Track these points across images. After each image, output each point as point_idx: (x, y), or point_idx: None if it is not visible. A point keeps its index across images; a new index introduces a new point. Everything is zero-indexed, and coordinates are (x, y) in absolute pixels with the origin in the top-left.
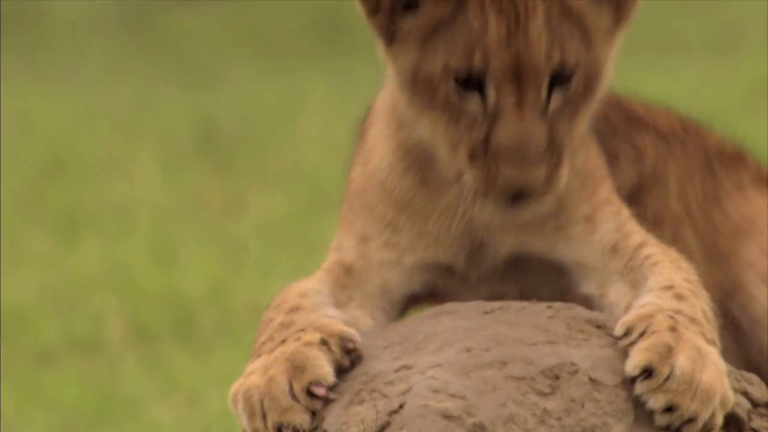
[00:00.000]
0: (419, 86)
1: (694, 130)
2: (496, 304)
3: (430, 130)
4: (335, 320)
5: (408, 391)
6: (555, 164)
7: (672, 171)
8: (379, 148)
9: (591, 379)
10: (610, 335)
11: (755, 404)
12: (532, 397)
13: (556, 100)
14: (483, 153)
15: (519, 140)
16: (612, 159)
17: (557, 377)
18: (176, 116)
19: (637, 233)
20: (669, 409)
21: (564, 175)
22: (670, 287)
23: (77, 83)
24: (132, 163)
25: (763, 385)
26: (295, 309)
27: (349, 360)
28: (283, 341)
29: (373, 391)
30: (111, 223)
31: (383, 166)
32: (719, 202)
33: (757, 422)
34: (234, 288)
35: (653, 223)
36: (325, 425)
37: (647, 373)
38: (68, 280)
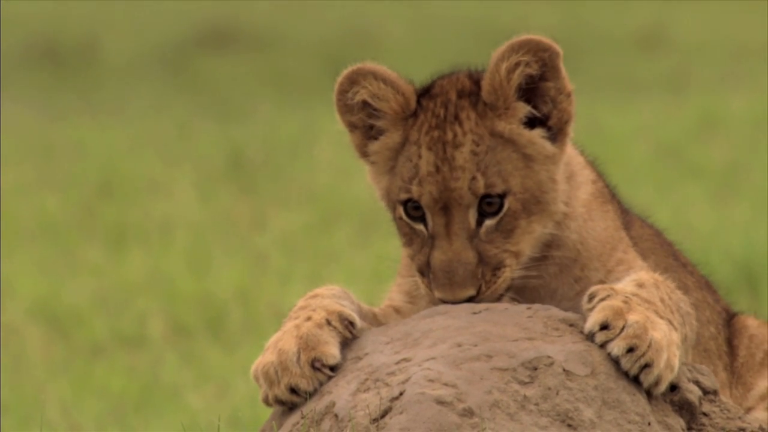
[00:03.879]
0: (390, 207)
1: (713, 288)
2: (483, 305)
3: (400, 241)
4: (339, 303)
5: (407, 380)
6: (489, 280)
7: (708, 313)
8: None
9: (564, 370)
10: (581, 332)
11: (705, 392)
12: (514, 386)
13: (488, 223)
14: (427, 270)
15: (447, 265)
16: (663, 271)
17: (535, 368)
18: (210, 145)
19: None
20: (630, 350)
21: (504, 282)
22: (635, 280)
23: (125, 117)
24: (172, 185)
25: (712, 376)
26: (315, 296)
27: (349, 332)
28: (296, 318)
29: (377, 380)
30: (154, 236)
31: None
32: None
33: (707, 407)
34: (258, 292)
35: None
36: (336, 410)
37: (604, 327)
38: (117, 286)
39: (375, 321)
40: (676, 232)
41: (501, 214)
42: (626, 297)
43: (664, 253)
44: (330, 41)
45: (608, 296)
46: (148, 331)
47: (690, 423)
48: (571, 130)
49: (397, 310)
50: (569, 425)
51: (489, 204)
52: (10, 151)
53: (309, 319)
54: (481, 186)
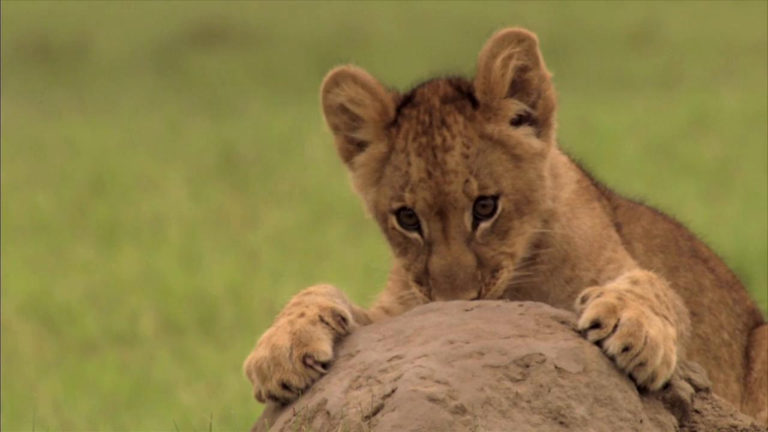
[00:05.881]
0: (380, 219)
1: (740, 285)
2: (475, 303)
3: (391, 253)
4: (332, 300)
5: (399, 377)
6: (489, 282)
7: (724, 316)
8: None
9: (556, 367)
10: (573, 329)
11: (697, 389)
12: (506, 383)
13: (483, 225)
14: (425, 278)
15: (448, 269)
16: (672, 270)
17: (527, 366)
18: (201, 143)
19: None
20: (626, 349)
21: (503, 284)
22: (629, 277)
23: (117, 114)
24: (163, 182)
25: (704, 372)
26: (308, 293)
27: (342, 328)
28: (289, 314)
29: (369, 377)
30: (145, 233)
31: None
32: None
33: (699, 404)
34: (250, 289)
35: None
36: (327, 407)
37: (596, 325)
38: (109, 283)
39: (367, 322)
40: None
41: (495, 216)
42: (620, 294)
43: (677, 251)
44: (321, 39)
45: (601, 294)
46: (140, 329)
47: (682, 420)
48: (555, 121)
49: (388, 311)
50: (561, 422)
51: (483, 206)
52: (3, 148)
53: (302, 315)
54: (474, 188)
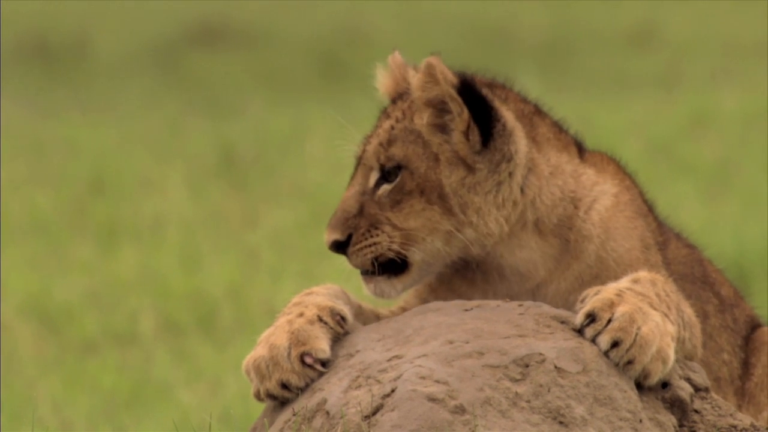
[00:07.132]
0: None
1: (739, 298)
2: (474, 302)
3: None
4: (332, 300)
5: (399, 377)
6: (363, 234)
7: (724, 338)
8: None
9: (556, 367)
10: (573, 329)
11: (697, 389)
12: (506, 383)
13: (384, 186)
14: None
15: (337, 207)
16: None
17: (527, 366)
18: (201, 142)
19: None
20: (615, 345)
21: (377, 246)
22: (631, 277)
23: (117, 114)
24: (163, 182)
25: (703, 373)
26: (309, 293)
27: (341, 327)
28: (288, 314)
29: (369, 377)
30: (145, 233)
31: None
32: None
33: (698, 404)
34: (250, 289)
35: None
36: (327, 407)
37: (591, 318)
38: (108, 283)
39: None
40: None
41: (394, 183)
42: (619, 290)
43: (691, 278)
44: (321, 39)
45: (599, 291)
46: (140, 328)
47: (681, 420)
48: (511, 159)
49: (403, 308)
50: (561, 422)
51: (389, 173)
52: (3, 148)
53: (301, 315)
54: (382, 153)
